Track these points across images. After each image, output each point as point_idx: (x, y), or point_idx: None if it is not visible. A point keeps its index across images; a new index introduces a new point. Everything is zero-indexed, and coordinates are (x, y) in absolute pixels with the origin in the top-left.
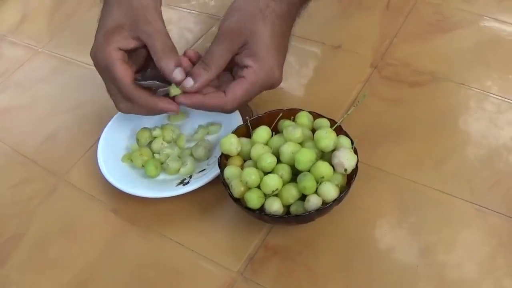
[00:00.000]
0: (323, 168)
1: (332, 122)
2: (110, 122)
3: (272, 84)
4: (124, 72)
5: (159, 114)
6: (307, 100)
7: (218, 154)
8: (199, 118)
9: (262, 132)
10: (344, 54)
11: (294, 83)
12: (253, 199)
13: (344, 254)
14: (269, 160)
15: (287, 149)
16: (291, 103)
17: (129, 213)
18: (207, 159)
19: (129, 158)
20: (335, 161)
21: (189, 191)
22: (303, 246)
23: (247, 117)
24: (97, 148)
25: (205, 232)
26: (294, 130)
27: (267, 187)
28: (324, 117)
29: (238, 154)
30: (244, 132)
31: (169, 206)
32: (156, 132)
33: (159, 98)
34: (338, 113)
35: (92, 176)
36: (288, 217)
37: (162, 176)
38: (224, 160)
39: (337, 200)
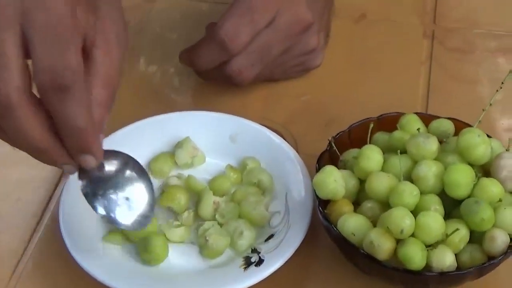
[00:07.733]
0: (494, 187)
1: (459, 124)
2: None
3: (297, 19)
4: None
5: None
6: (362, 106)
7: (278, 209)
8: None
9: (373, 154)
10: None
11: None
12: (416, 254)
13: None
14: (415, 192)
15: (429, 171)
16: (349, 112)
17: None
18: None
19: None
20: (503, 174)
21: (269, 274)
22: None
23: (329, 138)
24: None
25: None
26: (427, 141)
27: (430, 232)
28: (440, 117)
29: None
30: (327, 161)
31: None
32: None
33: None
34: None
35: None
36: (467, 273)
37: (196, 262)
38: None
39: None
